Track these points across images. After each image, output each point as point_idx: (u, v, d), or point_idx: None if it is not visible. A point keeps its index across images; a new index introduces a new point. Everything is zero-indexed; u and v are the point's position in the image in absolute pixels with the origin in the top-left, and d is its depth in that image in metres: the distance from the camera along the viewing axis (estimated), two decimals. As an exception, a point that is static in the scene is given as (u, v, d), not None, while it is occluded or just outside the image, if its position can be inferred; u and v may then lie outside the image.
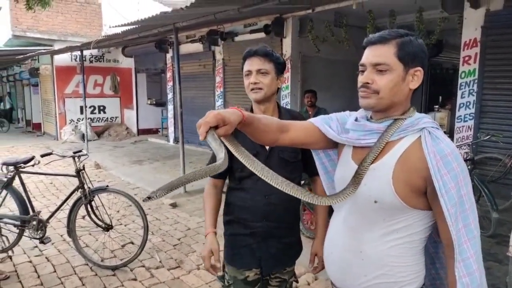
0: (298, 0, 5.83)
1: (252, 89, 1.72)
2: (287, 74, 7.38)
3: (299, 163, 1.80)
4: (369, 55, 1.18)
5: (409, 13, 6.00)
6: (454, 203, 1.07)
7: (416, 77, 1.17)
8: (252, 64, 1.70)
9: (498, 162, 4.80)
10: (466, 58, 5.18)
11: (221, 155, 1.01)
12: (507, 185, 4.58)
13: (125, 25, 7.05)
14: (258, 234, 1.76)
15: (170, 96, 10.98)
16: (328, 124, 1.31)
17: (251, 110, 1.81)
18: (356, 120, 1.27)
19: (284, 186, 1.06)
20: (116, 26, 7.65)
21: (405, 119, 1.18)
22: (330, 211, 1.88)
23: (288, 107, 7.39)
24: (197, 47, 9.37)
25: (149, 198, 0.98)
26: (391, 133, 1.17)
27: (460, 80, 5.28)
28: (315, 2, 5.96)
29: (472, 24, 5.08)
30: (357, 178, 1.16)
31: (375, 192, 1.17)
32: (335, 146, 1.37)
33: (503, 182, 4.70)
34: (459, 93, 5.31)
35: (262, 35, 7.46)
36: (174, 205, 5.38)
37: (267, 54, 1.71)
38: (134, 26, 7.01)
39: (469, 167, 3.90)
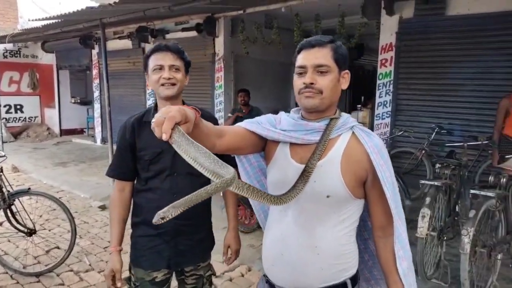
0: (230, 0, 5.92)
1: (163, 84, 1.65)
2: (220, 73, 7.44)
3: None
4: (310, 57, 1.23)
5: (333, 17, 6.38)
6: (392, 189, 1.22)
7: (344, 79, 1.29)
8: (165, 59, 1.65)
9: (411, 156, 5.31)
10: (383, 61, 5.67)
11: (215, 162, 0.83)
12: (419, 176, 5.04)
13: (46, 18, 6.58)
14: (167, 234, 1.72)
15: (96, 94, 10.45)
16: (261, 127, 1.31)
17: (155, 109, 1.75)
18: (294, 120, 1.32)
19: (250, 194, 0.98)
20: (36, 20, 7.08)
21: (339, 118, 1.29)
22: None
23: (222, 106, 7.46)
24: (126, 43, 9.04)
25: (162, 218, 0.85)
26: (331, 131, 1.26)
27: (378, 81, 5.76)
28: (246, 3, 6.09)
29: (388, 30, 5.57)
30: (305, 176, 1.21)
31: (327, 187, 1.23)
32: (259, 150, 1.40)
33: (415, 173, 5.20)
34: (377, 93, 5.79)
35: (194, 33, 7.43)
36: (103, 208, 5.16)
37: (179, 51, 1.69)
38: (56, 20, 6.58)
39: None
